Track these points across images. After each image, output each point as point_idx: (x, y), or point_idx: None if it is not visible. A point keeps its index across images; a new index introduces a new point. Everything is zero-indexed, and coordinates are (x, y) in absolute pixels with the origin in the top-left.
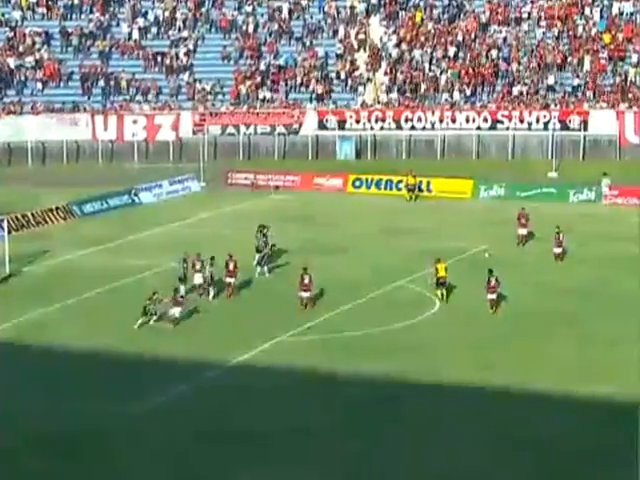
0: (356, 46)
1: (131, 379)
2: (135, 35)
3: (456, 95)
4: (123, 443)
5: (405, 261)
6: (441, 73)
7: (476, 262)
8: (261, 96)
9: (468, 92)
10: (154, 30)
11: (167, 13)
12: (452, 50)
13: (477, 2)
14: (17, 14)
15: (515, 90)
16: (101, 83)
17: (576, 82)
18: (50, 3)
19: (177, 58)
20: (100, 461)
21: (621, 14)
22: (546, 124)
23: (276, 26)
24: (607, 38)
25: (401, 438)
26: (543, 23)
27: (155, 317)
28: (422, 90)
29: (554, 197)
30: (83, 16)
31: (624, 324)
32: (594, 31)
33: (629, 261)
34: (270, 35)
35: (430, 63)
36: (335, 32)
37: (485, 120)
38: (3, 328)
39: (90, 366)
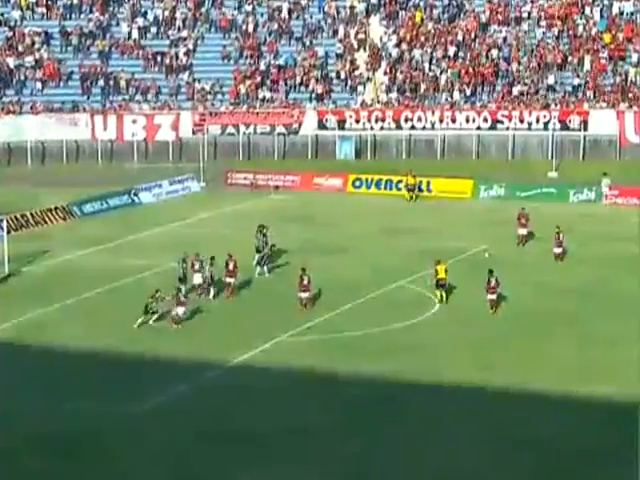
0: (356, 46)
1: (131, 379)
2: (135, 35)
3: (456, 95)
4: (123, 443)
5: (405, 261)
6: (441, 73)
7: (476, 262)
8: (261, 96)
9: (468, 92)
10: (154, 30)
11: (167, 13)
12: (452, 50)
13: (477, 2)
14: (16, 14)
15: (515, 90)
16: (101, 83)
17: (576, 82)
18: (50, 3)
19: (177, 58)
20: (100, 461)
21: (621, 14)
22: (546, 124)
23: (276, 26)
24: (607, 38)
25: (401, 438)
26: (543, 23)
27: (156, 316)
28: (422, 90)
29: (554, 197)
30: (83, 16)
31: (624, 324)
32: (594, 31)
33: (629, 261)
34: (270, 35)
35: (430, 63)
36: (335, 32)
37: (485, 120)
38: (3, 328)
39: (90, 366)
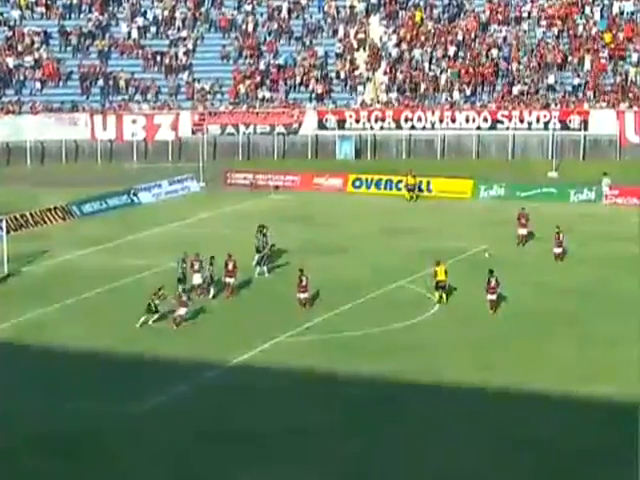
0: (356, 45)
1: (131, 379)
2: (134, 34)
3: (456, 95)
4: (123, 443)
5: (405, 261)
6: (441, 73)
7: (476, 262)
8: (260, 96)
9: (468, 92)
10: (153, 30)
11: (166, 12)
12: (452, 50)
13: (477, 1)
14: (16, 13)
15: (515, 90)
16: (100, 83)
17: (576, 82)
18: (49, 2)
19: (176, 58)
20: (100, 461)
21: (621, 13)
22: (546, 124)
23: (275, 25)
24: (607, 37)
25: (401, 438)
26: (543, 22)
27: (157, 316)
28: (422, 90)
29: (554, 197)
30: (82, 15)
31: (624, 324)
32: (594, 30)
33: (629, 261)
34: (269, 34)
35: (430, 63)
36: (335, 31)
37: (485, 120)
38: (2, 328)
39: (90, 366)
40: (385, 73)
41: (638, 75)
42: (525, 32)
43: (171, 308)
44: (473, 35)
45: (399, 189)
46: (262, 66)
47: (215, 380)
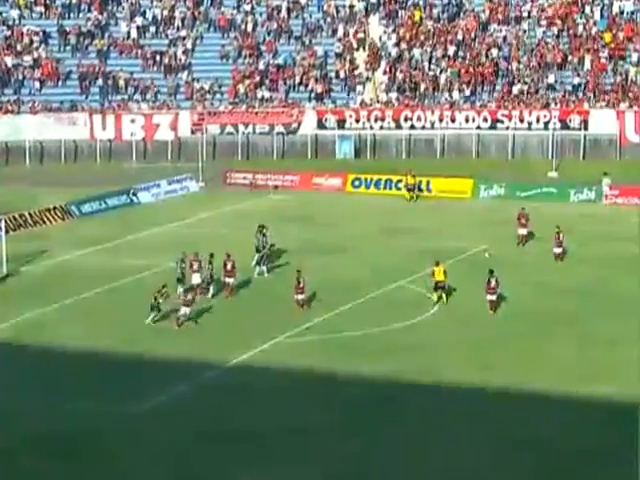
0: (355, 45)
1: (130, 379)
2: (133, 34)
3: (456, 94)
4: (122, 443)
5: (405, 261)
6: (441, 72)
7: (476, 262)
8: (260, 95)
9: (468, 91)
10: (152, 29)
11: (165, 12)
12: (452, 49)
13: (477, 1)
14: (15, 13)
15: (515, 89)
16: (99, 82)
17: (576, 81)
18: (48, 2)
19: (175, 57)
20: (99, 461)
21: (622, 13)
22: (546, 123)
23: (275, 25)
24: (607, 37)
25: (401, 438)
26: (543, 22)
27: (159, 315)
28: (422, 89)
29: (554, 197)
30: (81, 15)
31: (624, 324)
32: (594, 30)
33: (629, 261)
34: (269, 34)
35: (430, 62)
36: (334, 31)
37: (485, 119)
38: (1, 328)
39: (89, 366)
40: (385, 73)
41: (638, 75)
42: (525, 32)
43: (174, 307)
44: (473, 35)
45: (399, 189)
46: (261, 66)
47: (215, 380)
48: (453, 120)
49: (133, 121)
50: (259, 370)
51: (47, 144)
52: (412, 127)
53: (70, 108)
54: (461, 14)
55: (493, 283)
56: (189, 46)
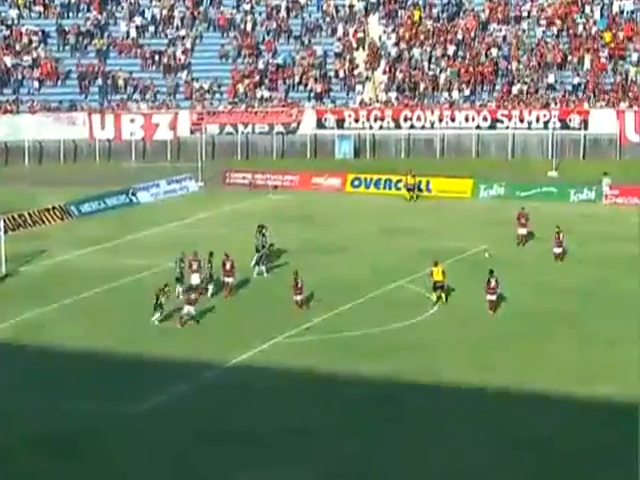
0: (355, 45)
1: (130, 379)
2: (133, 34)
3: (455, 94)
4: (122, 443)
5: (405, 261)
6: (440, 72)
7: (476, 262)
8: (259, 95)
9: (467, 91)
10: (152, 29)
11: (165, 11)
12: (451, 49)
13: (476, 0)
14: (14, 12)
15: (515, 89)
16: (98, 82)
17: (576, 81)
18: (47, 1)
19: (175, 57)
20: (99, 461)
21: (621, 12)
22: (546, 123)
23: (274, 24)
24: (607, 37)
25: (401, 438)
26: (543, 22)
27: (162, 315)
28: (421, 89)
29: (554, 197)
30: (80, 14)
31: (624, 324)
32: (594, 30)
33: (629, 261)
34: (268, 34)
35: (429, 62)
36: (334, 31)
37: (485, 119)
38: (0, 328)
39: (88, 366)
40: (384, 72)
41: (638, 74)
42: (525, 31)
43: (177, 307)
44: (473, 34)
45: (398, 189)
46: (261, 65)
47: (214, 380)
48: (453, 120)
49: (132, 121)
50: (259, 370)
51: (46, 144)
52: (412, 127)
53: (69, 108)
54: (461, 14)
55: (493, 283)
56: (188, 46)
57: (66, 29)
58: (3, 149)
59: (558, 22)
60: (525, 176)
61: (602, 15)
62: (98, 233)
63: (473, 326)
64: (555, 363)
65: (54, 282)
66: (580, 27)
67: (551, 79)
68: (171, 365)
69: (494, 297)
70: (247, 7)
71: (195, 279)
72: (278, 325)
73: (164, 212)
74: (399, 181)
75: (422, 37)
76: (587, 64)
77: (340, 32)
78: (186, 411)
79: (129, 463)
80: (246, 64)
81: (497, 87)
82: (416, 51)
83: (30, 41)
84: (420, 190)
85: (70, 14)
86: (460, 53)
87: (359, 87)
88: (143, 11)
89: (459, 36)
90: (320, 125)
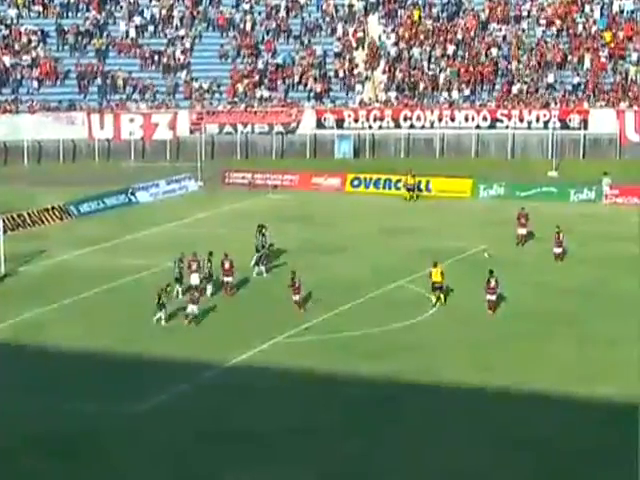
0: (354, 44)
1: (129, 379)
2: (132, 33)
3: (455, 94)
4: (122, 443)
5: (404, 261)
6: (440, 71)
7: (476, 262)
8: (259, 95)
9: (467, 91)
10: (151, 28)
11: (164, 11)
12: (451, 48)
13: (476, 0)
14: (13, 12)
15: (515, 89)
16: (98, 82)
17: (576, 81)
18: (46, 1)
19: (174, 56)
20: (98, 461)
21: (621, 12)
22: (546, 123)
23: (274, 24)
24: (607, 36)
25: (401, 438)
26: (543, 21)
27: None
28: (421, 89)
29: (554, 197)
30: (79, 14)
31: (624, 324)
32: (594, 29)
33: (629, 261)
34: (268, 33)
35: (429, 61)
36: (333, 30)
37: (484, 119)
38: (0, 328)
39: (88, 366)
40: (384, 72)
41: (638, 74)
42: (525, 31)
43: (180, 306)
44: (472, 34)
45: (398, 188)
46: (260, 65)
47: (214, 380)
48: (452, 119)
49: (132, 120)
50: (258, 370)
51: (45, 144)
52: (411, 126)
53: (68, 107)
54: (460, 13)
55: (493, 283)
56: (188, 45)
57: (65, 29)
58: (2, 149)
59: (558, 22)
60: (525, 176)
61: (602, 15)
62: (97, 233)
63: (473, 326)
64: (555, 363)
65: (53, 282)
66: (580, 27)
67: (551, 79)
68: (171, 365)
69: (494, 297)
70: (246, 7)
71: (194, 279)
72: (278, 325)
73: (163, 212)
74: (399, 181)
75: (422, 37)
76: (587, 64)
77: (340, 32)
78: (186, 411)
79: (129, 463)
80: (245, 64)
81: (497, 87)
82: (416, 51)
83: (29, 41)
84: (420, 190)
85: (69, 14)
86: (460, 53)
87: (359, 87)
88: (142, 11)
89: (459, 36)
90: (320, 125)
